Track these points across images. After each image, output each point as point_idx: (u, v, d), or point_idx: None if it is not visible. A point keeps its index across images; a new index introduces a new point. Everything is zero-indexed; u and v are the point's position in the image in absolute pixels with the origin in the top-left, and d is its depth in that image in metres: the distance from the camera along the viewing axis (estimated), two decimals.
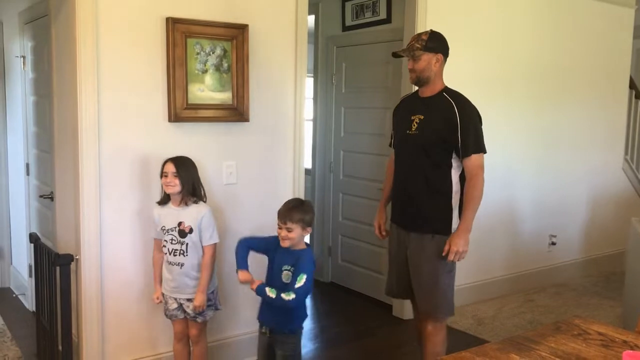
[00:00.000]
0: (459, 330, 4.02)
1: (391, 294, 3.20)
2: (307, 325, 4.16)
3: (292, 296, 2.55)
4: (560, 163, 5.19)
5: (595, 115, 5.41)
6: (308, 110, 3.98)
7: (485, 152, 2.87)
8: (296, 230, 2.62)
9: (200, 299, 2.82)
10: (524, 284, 5.00)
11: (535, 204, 5.02)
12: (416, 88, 3.04)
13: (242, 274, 2.67)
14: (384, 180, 3.26)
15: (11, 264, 4.77)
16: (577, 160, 5.36)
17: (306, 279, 2.56)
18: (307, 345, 3.85)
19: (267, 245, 2.74)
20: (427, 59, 2.84)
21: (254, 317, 2.82)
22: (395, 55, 2.99)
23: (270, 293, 2.58)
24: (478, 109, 2.91)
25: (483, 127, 2.90)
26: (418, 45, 2.84)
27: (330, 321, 4.33)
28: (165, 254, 2.89)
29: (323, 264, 5.11)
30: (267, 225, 3.15)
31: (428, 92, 2.92)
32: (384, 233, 3.20)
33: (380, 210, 3.21)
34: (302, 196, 3.64)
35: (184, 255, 2.84)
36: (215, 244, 2.88)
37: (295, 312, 2.69)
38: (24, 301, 4.39)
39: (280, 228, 2.64)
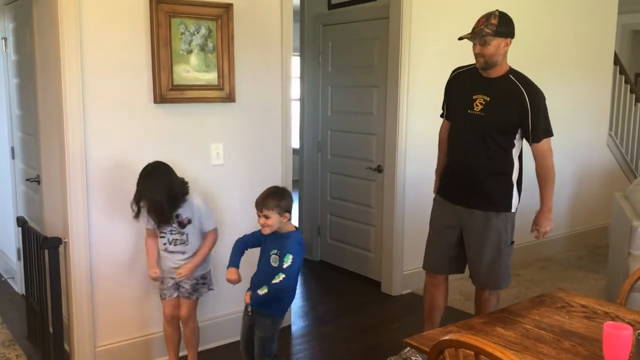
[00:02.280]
0: (447, 305, 4.08)
1: (436, 269, 3.20)
2: (298, 302, 4.21)
3: (281, 277, 2.58)
4: None
5: (579, 91, 5.44)
6: (295, 89, 3.97)
7: (553, 135, 2.94)
8: (273, 216, 2.63)
9: (187, 270, 2.86)
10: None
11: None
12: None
13: (230, 273, 2.73)
14: (438, 151, 3.24)
15: None
16: (562, 136, 5.35)
17: (292, 259, 2.60)
18: (297, 322, 3.90)
19: (259, 237, 2.76)
20: (497, 44, 2.79)
21: (242, 297, 2.84)
22: (462, 39, 2.90)
23: (262, 291, 2.63)
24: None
25: None
26: (488, 30, 2.76)
27: (320, 298, 4.38)
28: (165, 243, 2.91)
29: (312, 243, 5.14)
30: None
31: (494, 73, 2.88)
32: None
33: (437, 180, 3.23)
34: (289, 176, 3.66)
35: (186, 244, 2.89)
36: (215, 228, 2.96)
37: (282, 295, 2.70)
38: (12, 284, 4.39)
39: (258, 217, 2.67)
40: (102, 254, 3.05)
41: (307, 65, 5.03)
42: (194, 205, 2.87)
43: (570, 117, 5.41)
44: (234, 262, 2.76)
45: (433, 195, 3.24)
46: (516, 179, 2.99)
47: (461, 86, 3.03)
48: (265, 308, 2.71)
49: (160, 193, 2.74)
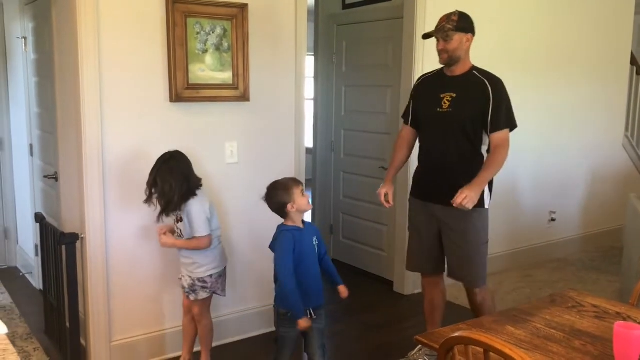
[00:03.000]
0: (459, 305, 4.08)
1: (419, 269, 3.27)
2: None
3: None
4: (560, 139, 5.21)
5: (596, 91, 5.41)
6: (308, 89, 3.99)
7: (516, 126, 2.98)
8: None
9: (165, 242, 2.88)
10: (523, 260, 5.06)
11: (535, 180, 5.06)
12: (436, 67, 3.11)
13: (303, 322, 2.60)
14: (393, 153, 3.28)
15: (17, 243, 4.84)
16: (578, 136, 5.37)
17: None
18: None
19: (295, 245, 2.62)
20: (459, 39, 2.90)
21: (258, 294, 2.85)
22: (426, 36, 3.04)
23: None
24: None
25: None
26: (450, 26, 2.89)
27: (332, 297, 4.39)
28: (173, 232, 2.96)
29: (325, 242, 5.15)
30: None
31: (458, 70, 2.98)
32: (390, 202, 3.19)
33: (387, 181, 3.20)
34: (303, 175, 3.68)
35: (180, 236, 2.92)
36: (207, 235, 2.84)
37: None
38: (30, 280, 4.46)
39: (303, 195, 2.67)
40: (118, 250, 3.10)
41: (321, 65, 5.05)
42: (188, 206, 2.82)
43: (586, 117, 5.39)
44: (302, 309, 2.62)
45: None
46: None
47: (428, 89, 3.12)
48: (321, 298, 2.76)
49: (176, 180, 2.75)
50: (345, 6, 4.81)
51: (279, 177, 3.11)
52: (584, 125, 5.40)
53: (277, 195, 2.64)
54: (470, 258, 3.04)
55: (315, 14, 5.03)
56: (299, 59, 3.54)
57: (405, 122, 3.24)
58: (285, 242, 2.60)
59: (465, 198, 2.78)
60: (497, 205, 4.72)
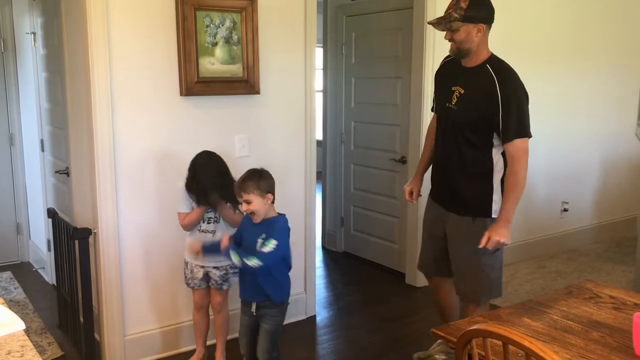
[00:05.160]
0: None
1: (424, 270, 3.09)
2: (322, 293, 4.23)
3: (253, 261, 2.50)
4: (573, 129, 5.16)
5: (608, 80, 5.34)
6: (318, 81, 3.97)
7: (530, 136, 2.58)
8: (255, 200, 2.55)
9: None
10: (536, 251, 5.03)
11: (547, 170, 5.01)
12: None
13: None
14: (424, 146, 3.11)
15: (30, 238, 4.87)
16: (590, 126, 5.32)
17: (276, 244, 2.53)
18: (321, 312, 3.92)
19: (240, 230, 2.71)
20: (467, 30, 2.55)
21: None
22: (430, 24, 2.71)
23: (234, 257, 2.54)
24: None
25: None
26: (456, 15, 2.54)
27: (344, 289, 4.40)
28: (199, 223, 2.94)
29: (336, 234, 5.16)
30: (279, 196, 3.18)
31: (471, 62, 2.65)
32: (414, 200, 3.07)
33: (415, 176, 3.06)
34: (313, 167, 3.67)
35: (217, 222, 2.92)
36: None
37: (279, 281, 2.67)
38: (43, 275, 4.49)
39: (241, 204, 2.61)
40: (131, 244, 3.10)
41: (330, 57, 5.02)
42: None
43: (598, 106, 5.33)
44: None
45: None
46: (499, 182, 2.69)
47: (444, 76, 2.84)
48: (261, 294, 2.64)
49: (216, 177, 2.81)
50: None
51: (290, 170, 3.10)
52: (596, 114, 5.34)
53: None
54: (468, 269, 2.77)
55: (324, 5, 4.99)
56: (308, 50, 3.52)
57: (432, 109, 2.96)
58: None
59: (497, 244, 2.58)
60: None
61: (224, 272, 2.97)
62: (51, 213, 3.45)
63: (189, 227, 2.94)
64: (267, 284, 2.64)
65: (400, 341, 3.51)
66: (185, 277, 3.02)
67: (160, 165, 3.10)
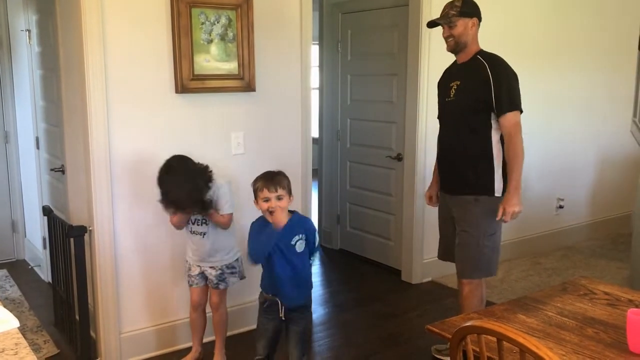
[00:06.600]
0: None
1: (442, 257, 3.28)
2: (318, 290, 4.23)
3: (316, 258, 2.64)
4: (568, 126, 5.17)
5: (603, 76, 5.35)
6: (314, 78, 3.97)
7: (521, 110, 2.88)
8: (285, 197, 2.46)
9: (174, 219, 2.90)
10: (531, 248, 5.04)
11: (542, 167, 5.02)
12: (442, 55, 3.12)
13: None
14: (437, 152, 3.24)
15: (25, 236, 4.86)
16: (585, 122, 5.33)
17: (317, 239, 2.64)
18: (317, 310, 3.92)
19: (265, 240, 2.53)
20: (464, 24, 2.90)
21: None
22: (431, 24, 3.04)
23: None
24: None
25: None
26: (453, 12, 2.91)
27: (340, 287, 4.40)
28: (188, 223, 2.94)
29: (332, 232, 5.16)
30: None
31: (464, 57, 2.98)
32: (434, 204, 3.28)
33: (433, 182, 3.30)
34: (309, 165, 3.66)
35: (206, 224, 2.91)
36: (230, 214, 2.92)
37: (309, 280, 2.66)
38: (39, 272, 4.48)
39: (267, 200, 2.45)
40: (127, 242, 3.10)
41: (326, 54, 5.02)
42: (215, 186, 2.84)
43: (593, 103, 5.34)
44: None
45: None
46: (499, 163, 2.93)
47: (444, 80, 3.13)
48: (301, 297, 2.61)
49: (186, 183, 2.71)
50: None
51: (286, 167, 3.09)
52: (591, 111, 5.35)
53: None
54: (463, 246, 2.99)
55: (320, 2, 4.99)
56: (304, 47, 3.52)
57: (438, 117, 3.20)
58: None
59: (512, 215, 2.82)
60: None
61: (220, 272, 2.96)
62: (46, 211, 3.44)
63: (178, 226, 2.95)
64: (308, 285, 2.65)
65: (396, 338, 3.51)
66: (185, 273, 3.05)
67: (156, 162, 3.08)
